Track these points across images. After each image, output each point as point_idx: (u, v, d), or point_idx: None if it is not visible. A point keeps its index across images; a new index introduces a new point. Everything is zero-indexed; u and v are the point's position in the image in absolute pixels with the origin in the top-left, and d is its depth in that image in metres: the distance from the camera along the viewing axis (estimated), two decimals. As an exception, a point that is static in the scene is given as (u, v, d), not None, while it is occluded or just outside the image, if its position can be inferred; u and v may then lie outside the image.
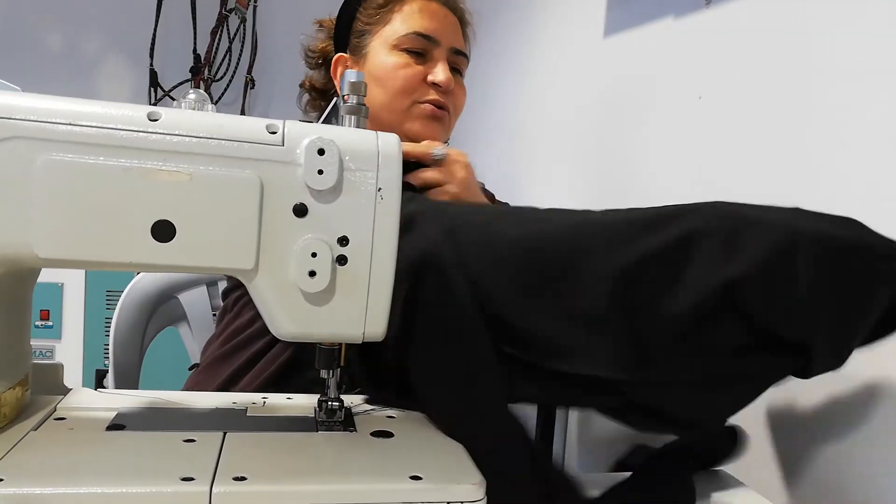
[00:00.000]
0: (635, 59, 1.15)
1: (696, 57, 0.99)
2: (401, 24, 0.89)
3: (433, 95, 0.90)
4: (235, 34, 2.30)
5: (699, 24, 0.99)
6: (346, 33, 0.94)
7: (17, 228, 0.44)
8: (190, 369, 0.92)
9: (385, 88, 0.89)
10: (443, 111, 0.91)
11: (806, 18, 0.81)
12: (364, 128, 0.52)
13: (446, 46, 0.91)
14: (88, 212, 0.44)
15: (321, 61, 0.99)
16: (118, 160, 0.45)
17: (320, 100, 0.99)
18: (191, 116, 0.47)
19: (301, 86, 1.02)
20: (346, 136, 0.50)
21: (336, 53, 0.95)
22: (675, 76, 1.03)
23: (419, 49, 0.89)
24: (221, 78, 2.29)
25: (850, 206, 0.73)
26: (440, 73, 0.89)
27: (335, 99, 0.56)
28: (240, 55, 2.31)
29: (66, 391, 0.59)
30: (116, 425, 0.52)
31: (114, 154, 0.45)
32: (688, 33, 1.01)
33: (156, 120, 0.46)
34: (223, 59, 2.30)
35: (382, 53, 0.90)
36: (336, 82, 0.96)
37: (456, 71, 0.94)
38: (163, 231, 0.46)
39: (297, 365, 0.78)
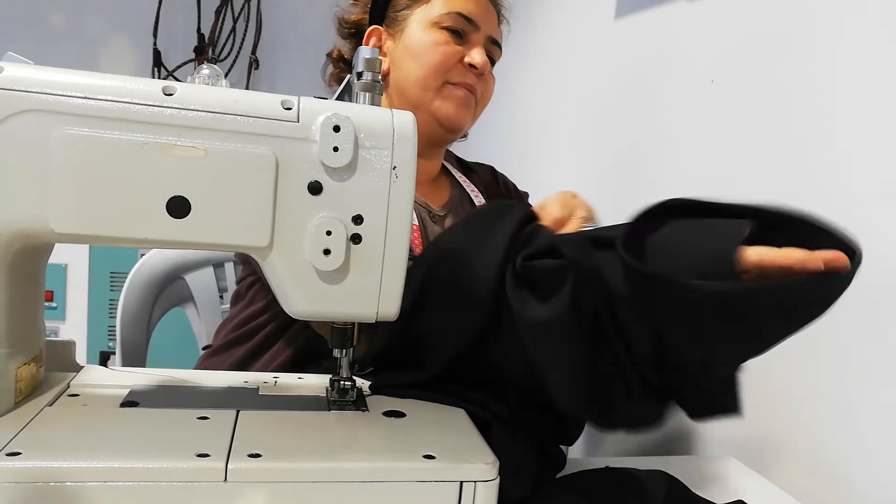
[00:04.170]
0: (647, 42, 1.13)
1: (709, 40, 0.98)
2: (443, 3, 0.88)
3: (466, 78, 0.88)
4: (240, 14, 2.28)
5: (713, 7, 0.98)
6: (383, 6, 0.93)
7: (33, 202, 0.44)
8: (203, 349, 0.92)
9: (420, 63, 0.87)
10: (472, 96, 0.90)
11: (821, 2, 0.80)
12: (378, 105, 0.52)
13: (484, 33, 0.90)
14: (104, 187, 0.44)
15: (353, 31, 0.98)
16: (134, 135, 0.44)
17: (347, 72, 0.97)
18: (206, 91, 0.47)
19: (328, 55, 1.00)
20: (361, 113, 0.49)
21: (371, 26, 0.94)
22: (688, 60, 1.02)
23: (459, 29, 0.88)
24: (226, 58, 2.28)
25: (863, 190, 0.72)
26: (477, 55, 0.88)
27: (349, 76, 0.56)
28: (244, 35, 2.29)
29: (78, 368, 0.59)
30: (130, 402, 0.52)
31: (129, 128, 0.44)
32: (701, 15, 1.00)
33: (171, 94, 0.45)
34: (227, 39, 2.28)
35: (421, 29, 0.88)
36: None
37: (490, 60, 0.93)
38: (178, 207, 0.45)
39: (312, 355, 0.79)
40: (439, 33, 0.87)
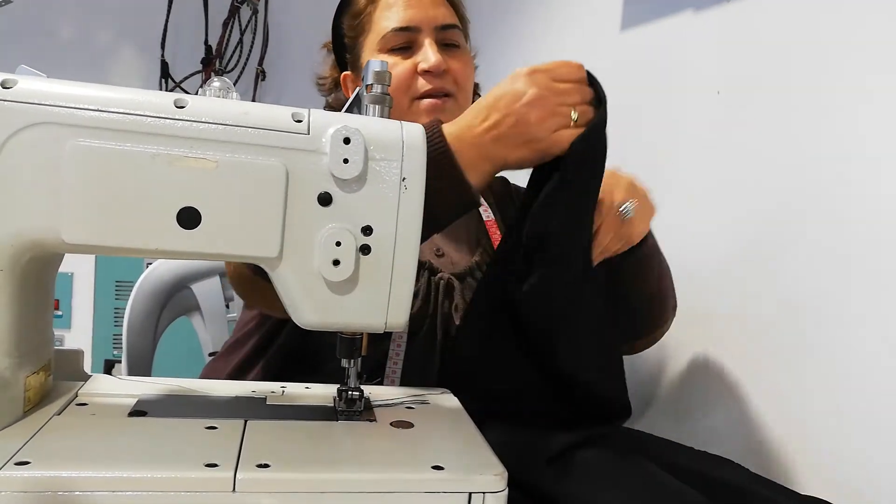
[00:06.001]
0: (653, 53, 1.14)
1: (716, 51, 0.98)
2: (381, 24, 0.86)
3: (429, 86, 0.85)
4: (247, 25, 2.30)
5: (719, 18, 0.98)
6: (341, 52, 0.93)
7: (45, 213, 0.44)
8: (210, 355, 0.92)
9: None
10: (445, 97, 0.86)
11: (826, 13, 0.80)
12: (388, 117, 0.52)
13: (429, 28, 0.85)
14: (115, 198, 0.44)
15: (335, 85, 0.97)
16: (145, 147, 0.45)
17: None
18: (217, 104, 0.47)
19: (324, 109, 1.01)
20: (371, 125, 0.50)
21: (341, 73, 0.93)
22: (694, 70, 1.03)
23: (403, 44, 0.85)
24: (232, 69, 2.29)
25: (869, 198, 0.72)
26: (428, 57, 0.84)
27: (358, 89, 0.56)
28: (251, 47, 2.31)
29: (86, 377, 0.59)
30: (138, 411, 0.52)
31: (141, 140, 0.45)
32: (707, 27, 1.00)
33: (182, 107, 0.46)
34: (234, 51, 2.30)
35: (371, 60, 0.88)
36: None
37: (452, 45, 0.88)
38: (188, 218, 0.46)
39: (314, 358, 0.78)
40: (386, 57, 0.85)
